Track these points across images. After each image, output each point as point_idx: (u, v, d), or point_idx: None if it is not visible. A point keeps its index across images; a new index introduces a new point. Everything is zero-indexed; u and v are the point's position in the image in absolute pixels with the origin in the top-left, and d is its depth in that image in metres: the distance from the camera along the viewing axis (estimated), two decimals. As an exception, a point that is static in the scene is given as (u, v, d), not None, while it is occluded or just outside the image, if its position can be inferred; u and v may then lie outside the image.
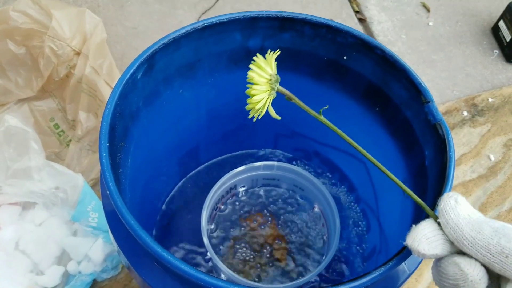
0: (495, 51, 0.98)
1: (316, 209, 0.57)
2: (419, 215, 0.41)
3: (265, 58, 0.32)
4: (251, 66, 0.32)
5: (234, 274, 0.49)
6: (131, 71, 0.40)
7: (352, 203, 0.59)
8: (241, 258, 0.55)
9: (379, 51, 0.44)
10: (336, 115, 0.52)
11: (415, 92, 0.42)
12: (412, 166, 0.44)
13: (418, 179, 0.42)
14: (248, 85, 0.32)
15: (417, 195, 0.42)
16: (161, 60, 0.43)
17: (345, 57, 0.47)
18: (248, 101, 0.32)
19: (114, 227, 0.37)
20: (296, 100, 0.34)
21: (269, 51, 0.33)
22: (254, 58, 0.31)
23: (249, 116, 0.33)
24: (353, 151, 0.55)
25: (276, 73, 0.32)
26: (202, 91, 0.51)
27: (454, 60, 0.96)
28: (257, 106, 0.32)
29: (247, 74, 0.32)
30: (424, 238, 0.27)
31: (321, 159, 0.61)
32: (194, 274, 0.30)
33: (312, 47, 0.48)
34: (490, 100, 0.88)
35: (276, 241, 0.56)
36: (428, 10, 1.04)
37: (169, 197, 0.60)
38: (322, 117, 0.35)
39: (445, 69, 0.94)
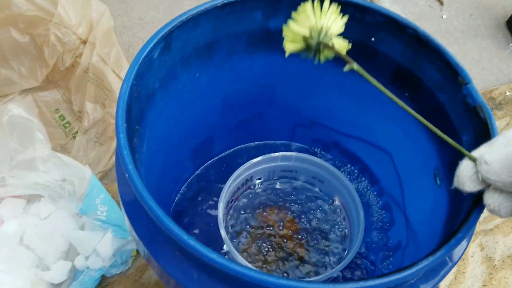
0: (510, 44, 0.95)
1: (337, 202, 0.55)
2: (455, 204, 0.38)
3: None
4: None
5: (252, 268, 0.46)
6: (148, 49, 0.38)
7: (374, 196, 0.57)
8: (258, 251, 0.52)
9: (411, 30, 0.42)
10: (361, 102, 0.49)
11: (451, 73, 0.39)
12: (446, 154, 0.41)
13: (454, 166, 0.40)
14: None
15: (452, 185, 0.39)
16: (178, 38, 0.41)
17: (373, 39, 0.45)
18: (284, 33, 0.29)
19: (133, 215, 0.35)
20: (345, 56, 0.31)
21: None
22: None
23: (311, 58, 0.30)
24: (376, 141, 0.52)
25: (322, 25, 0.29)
26: (219, 75, 0.48)
27: (469, 53, 0.94)
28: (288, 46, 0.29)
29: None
30: (466, 178, 0.30)
31: (340, 150, 0.58)
32: (224, 263, 0.27)
33: (337, 27, 0.45)
34: (507, 93, 0.85)
35: (294, 235, 0.54)
36: (441, 3, 1.01)
37: (183, 187, 0.57)
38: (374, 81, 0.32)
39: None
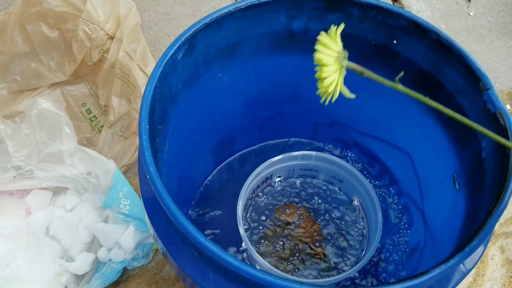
0: (540, 42, 0.93)
1: (356, 202, 0.55)
2: (472, 210, 0.38)
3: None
4: (316, 47, 0.28)
5: (270, 267, 0.47)
6: (172, 51, 0.39)
7: (393, 197, 0.57)
8: (276, 250, 0.53)
9: (434, 34, 0.41)
10: (382, 105, 0.49)
11: (473, 78, 0.39)
12: (466, 159, 0.41)
13: (473, 172, 0.40)
14: (316, 68, 0.29)
15: (471, 188, 0.40)
16: (202, 41, 0.41)
17: (394, 41, 0.45)
18: (318, 85, 0.29)
19: (152, 213, 0.36)
20: (368, 73, 0.30)
21: (332, 26, 0.30)
22: (318, 37, 0.28)
23: (321, 101, 0.30)
24: (396, 142, 0.52)
25: (342, 48, 0.29)
26: (241, 75, 0.49)
27: (496, 51, 0.92)
28: (330, 89, 0.29)
29: (313, 57, 0.29)
30: None
31: (360, 149, 0.58)
32: (240, 266, 0.28)
33: (360, 30, 0.45)
34: (535, 93, 0.84)
35: (312, 234, 0.54)
36: (468, 0, 1.00)
37: (203, 185, 0.58)
38: (400, 86, 0.31)
39: (486, 61, 0.90)
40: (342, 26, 0.30)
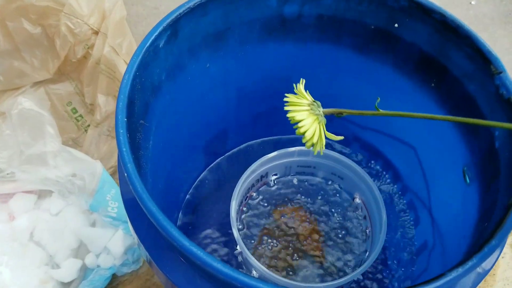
0: (544, 31, 0.90)
1: (357, 200, 0.52)
2: (486, 206, 0.35)
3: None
4: (287, 108, 0.30)
5: (267, 271, 0.43)
6: (152, 37, 0.35)
7: (396, 194, 0.53)
8: (273, 252, 0.50)
9: (438, 15, 0.38)
10: (383, 93, 0.46)
11: (483, 61, 0.36)
12: (477, 150, 0.38)
13: (485, 164, 0.36)
14: (294, 127, 0.30)
15: (484, 183, 0.36)
16: (186, 26, 0.38)
17: (396, 25, 0.41)
18: (303, 141, 0.30)
19: (134, 216, 0.32)
20: (348, 112, 0.32)
21: (301, 80, 0.32)
22: (285, 99, 0.31)
23: (315, 153, 0.32)
24: (400, 135, 0.49)
25: (313, 99, 0.31)
26: (231, 66, 0.46)
27: (499, 41, 0.89)
28: (314, 140, 0.30)
29: (286, 107, 0.31)
30: None
31: (361, 144, 0.55)
32: (229, 273, 0.24)
33: (358, 13, 0.42)
34: (541, 83, 0.81)
35: (312, 234, 0.51)
36: (469, -11, 0.96)
37: (194, 185, 0.54)
38: (381, 111, 0.32)
39: (489, 51, 0.87)
40: (302, 81, 0.32)
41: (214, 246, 0.51)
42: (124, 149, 0.29)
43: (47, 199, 0.60)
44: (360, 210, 0.52)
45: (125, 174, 0.28)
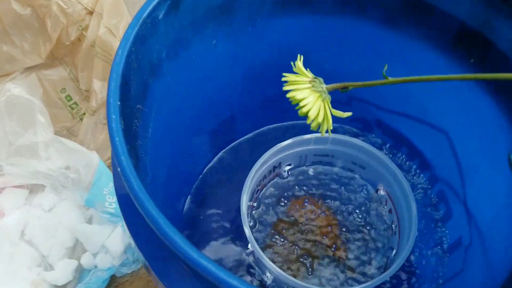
0: None
1: (382, 192, 0.46)
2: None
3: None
4: (286, 87, 0.28)
5: (282, 273, 0.39)
6: (150, 7, 0.30)
7: (424, 184, 0.48)
8: (288, 251, 0.45)
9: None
10: (412, 71, 0.40)
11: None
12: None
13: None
14: (296, 108, 0.28)
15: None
16: (189, -5, 0.33)
17: (430, -9, 0.36)
18: (308, 121, 0.28)
19: (129, 215, 0.28)
20: (353, 84, 0.30)
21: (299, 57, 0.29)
22: (284, 78, 0.28)
23: (322, 134, 0.29)
24: (430, 118, 0.44)
25: (314, 76, 0.29)
26: (240, 42, 0.40)
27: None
28: (320, 119, 0.28)
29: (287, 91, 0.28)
30: None
31: (384, 130, 0.50)
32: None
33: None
34: None
35: (331, 231, 0.46)
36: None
37: (200, 177, 0.49)
38: (390, 79, 0.29)
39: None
40: (301, 57, 0.29)
41: (222, 243, 0.46)
42: (117, 139, 0.24)
43: (39, 194, 0.55)
44: (384, 202, 0.46)
45: (118, 169, 0.23)
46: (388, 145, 0.51)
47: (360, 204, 0.47)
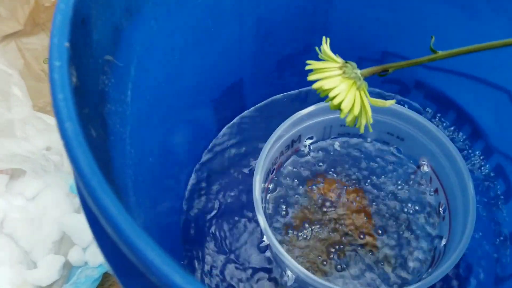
0: None
1: (425, 168, 0.38)
2: None
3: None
4: (311, 77, 0.24)
5: (306, 272, 0.31)
6: None
7: (476, 156, 0.40)
8: (310, 243, 0.37)
9: None
10: (463, 20, 0.32)
11: None
12: None
13: None
14: (326, 101, 0.24)
15: None
16: None
17: None
18: (341, 116, 0.24)
19: (89, 212, 0.20)
20: (394, 65, 0.25)
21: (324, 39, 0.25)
22: (308, 67, 0.25)
23: (361, 131, 0.25)
24: (486, 75, 0.35)
25: (344, 61, 0.25)
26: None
27: None
28: (356, 111, 0.24)
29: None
30: None
31: (426, 92, 0.41)
32: None
33: None
34: None
35: (363, 219, 0.38)
36: None
37: (203, 156, 0.41)
38: (440, 53, 0.25)
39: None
40: (327, 40, 0.25)
41: (235, 238, 0.38)
42: (60, 96, 0.16)
43: (21, 180, 0.47)
44: (429, 181, 0.38)
45: (62, 141, 0.15)
46: (430, 112, 0.42)
47: (398, 183, 0.39)
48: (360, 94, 0.24)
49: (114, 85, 0.22)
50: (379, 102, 0.25)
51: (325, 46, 0.25)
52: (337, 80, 0.24)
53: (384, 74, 0.25)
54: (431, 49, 0.25)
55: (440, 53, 0.25)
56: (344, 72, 0.24)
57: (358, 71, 0.24)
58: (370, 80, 0.44)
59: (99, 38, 0.21)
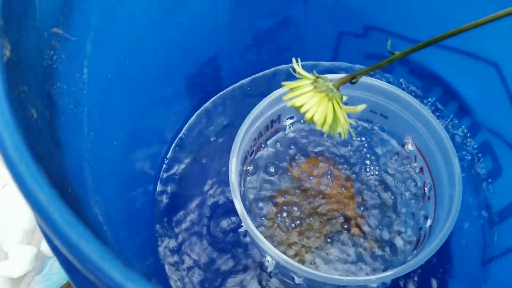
0: None
1: (410, 146, 0.36)
2: None
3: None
4: (286, 97, 0.25)
5: (286, 258, 0.29)
6: None
7: (462, 133, 0.38)
8: (292, 228, 0.35)
9: None
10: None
11: None
12: None
13: None
14: (304, 117, 0.25)
15: None
16: None
17: None
18: (317, 128, 0.25)
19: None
20: (361, 72, 0.25)
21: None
22: (283, 88, 0.26)
23: (342, 137, 0.25)
24: (473, 48, 0.33)
25: (317, 75, 0.25)
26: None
27: None
28: (328, 120, 0.25)
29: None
30: None
31: (411, 68, 0.39)
32: None
33: None
34: None
35: (346, 199, 0.36)
36: None
37: (177, 139, 0.39)
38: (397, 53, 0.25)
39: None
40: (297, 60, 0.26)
41: (211, 224, 0.36)
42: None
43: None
44: (413, 160, 0.37)
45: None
46: (414, 87, 0.40)
47: (382, 163, 0.37)
48: (333, 105, 0.25)
49: (65, 61, 0.20)
50: (351, 109, 0.25)
51: (296, 66, 0.26)
52: (308, 95, 0.25)
53: (354, 82, 0.26)
54: (389, 51, 0.26)
55: (407, 49, 0.25)
56: (315, 87, 0.25)
57: (330, 83, 0.25)
58: (353, 56, 0.42)
59: (43, 8, 0.19)
